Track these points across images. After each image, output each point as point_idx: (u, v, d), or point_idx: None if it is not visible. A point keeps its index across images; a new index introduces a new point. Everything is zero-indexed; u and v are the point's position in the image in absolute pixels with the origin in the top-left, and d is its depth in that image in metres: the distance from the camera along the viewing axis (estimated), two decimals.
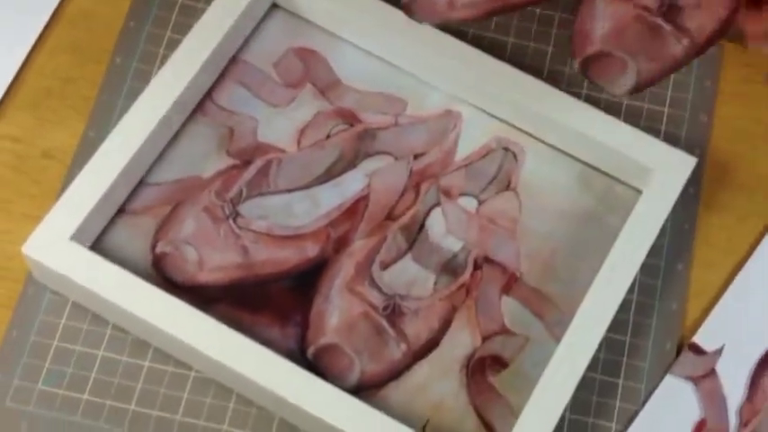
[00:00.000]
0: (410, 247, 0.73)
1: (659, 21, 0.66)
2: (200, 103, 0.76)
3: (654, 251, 0.73)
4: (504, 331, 0.71)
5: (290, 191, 0.74)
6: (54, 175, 0.75)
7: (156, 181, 0.74)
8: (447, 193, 0.75)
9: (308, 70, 0.77)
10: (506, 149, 0.75)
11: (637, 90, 0.65)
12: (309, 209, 0.74)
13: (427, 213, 0.74)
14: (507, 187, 0.75)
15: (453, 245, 0.73)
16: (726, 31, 0.65)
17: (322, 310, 0.71)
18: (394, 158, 0.76)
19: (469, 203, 0.75)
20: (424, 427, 0.69)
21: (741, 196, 0.77)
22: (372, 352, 0.70)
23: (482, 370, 0.70)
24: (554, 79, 0.78)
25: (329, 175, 0.75)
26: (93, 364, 0.70)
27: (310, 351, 0.70)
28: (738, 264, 0.75)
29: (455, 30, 0.78)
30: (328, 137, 0.76)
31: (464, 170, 0.75)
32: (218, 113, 0.76)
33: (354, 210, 0.74)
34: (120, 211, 0.73)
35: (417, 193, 0.75)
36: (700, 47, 0.66)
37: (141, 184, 0.74)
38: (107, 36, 0.79)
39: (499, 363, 0.70)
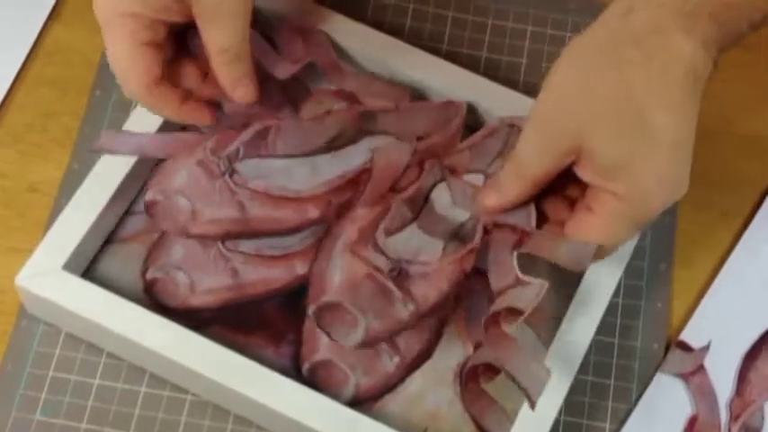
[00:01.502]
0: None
1: (390, 284, 0.71)
2: None
3: (636, 252, 0.76)
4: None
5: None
6: (40, 209, 0.76)
7: (143, 209, 0.75)
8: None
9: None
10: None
11: (365, 346, 0.70)
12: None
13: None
14: None
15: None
16: (446, 302, 0.72)
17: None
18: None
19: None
20: None
21: (720, 194, 0.79)
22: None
23: (475, 378, 0.72)
24: (529, 91, 0.80)
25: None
26: (89, 392, 0.71)
27: (305, 367, 0.71)
28: (720, 260, 0.77)
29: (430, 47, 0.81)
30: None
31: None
32: None
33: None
34: (109, 240, 0.74)
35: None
36: (423, 314, 0.71)
37: (128, 212, 0.75)
38: (86, 68, 0.81)
39: (492, 370, 0.72)
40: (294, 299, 0.73)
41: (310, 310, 0.70)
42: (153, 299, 0.73)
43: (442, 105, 0.77)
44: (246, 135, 0.73)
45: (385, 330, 0.70)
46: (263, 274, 0.73)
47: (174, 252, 0.74)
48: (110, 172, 0.74)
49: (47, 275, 0.70)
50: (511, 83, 0.80)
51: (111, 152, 0.72)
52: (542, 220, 0.71)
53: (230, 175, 0.72)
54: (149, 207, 0.72)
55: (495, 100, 0.77)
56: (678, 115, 0.64)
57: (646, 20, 0.64)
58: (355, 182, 0.73)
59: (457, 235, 0.73)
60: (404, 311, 0.70)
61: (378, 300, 0.70)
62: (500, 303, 0.69)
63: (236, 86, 0.72)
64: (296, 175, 0.73)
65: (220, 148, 0.73)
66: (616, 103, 0.64)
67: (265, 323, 0.73)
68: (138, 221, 0.75)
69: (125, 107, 0.79)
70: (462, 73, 0.78)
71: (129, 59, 0.68)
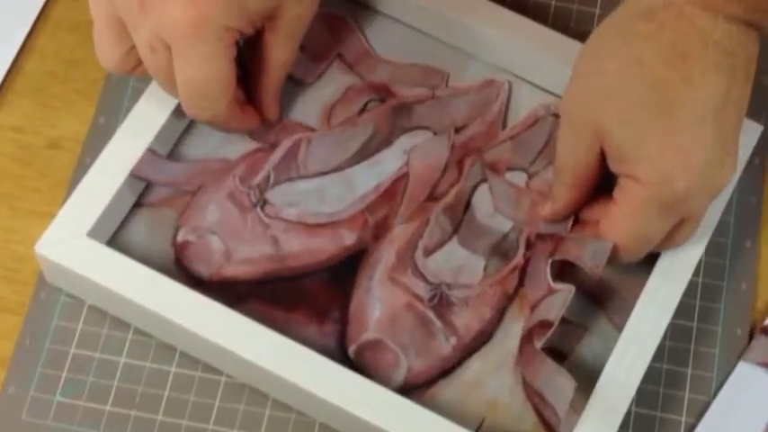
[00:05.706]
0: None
1: (431, 314, 0.70)
2: None
3: (719, 228, 0.73)
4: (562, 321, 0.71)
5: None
6: (62, 167, 0.75)
7: None
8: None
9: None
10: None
11: (405, 389, 0.69)
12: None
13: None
14: None
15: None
16: (490, 330, 0.71)
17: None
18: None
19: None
20: (478, 427, 0.69)
21: None
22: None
23: None
24: None
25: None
26: (114, 371, 0.70)
27: (352, 349, 0.70)
28: None
29: None
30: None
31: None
32: None
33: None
34: (137, 204, 0.73)
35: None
36: (466, 346, 0.70)
37: None
38: None
39: (557, 353, 0.70)
40: (339, 271, 0.72)
41: (351, 350, 0.70)
42: (184, 268, 0.71)
43: (482, 87, 0.76)
44: (276, 156, 0.73)
45: (427, 369, 0.69)
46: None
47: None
48: (140, 128, 0.72)
49: (70, 243, 0.69)
50: (582, 36, 0.77)
51: (148, 180, 0.72)
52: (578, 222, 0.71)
53: (262, 207, 0.72)
54: (181, 248, 0.71)
55: (565, 55, 0.75)
56: (699, 89, 0.63)
57: None
58: (391, 193, 0.73)
59: (499, 249, 0.72)
60: (446, 346, 0.70)
61: (418, 333, 0.70)
62: (533, 319, 0.69)
63: (273, 103, 0.73)
64: (329, 195, 0.73)
65: (250, 174, 0.73)
66: (625, 79, 0.64)
67: (308, 298, 0.71)
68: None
69: None
70: (528, 24, 0.76)
71: (222, 75, 0.68)
